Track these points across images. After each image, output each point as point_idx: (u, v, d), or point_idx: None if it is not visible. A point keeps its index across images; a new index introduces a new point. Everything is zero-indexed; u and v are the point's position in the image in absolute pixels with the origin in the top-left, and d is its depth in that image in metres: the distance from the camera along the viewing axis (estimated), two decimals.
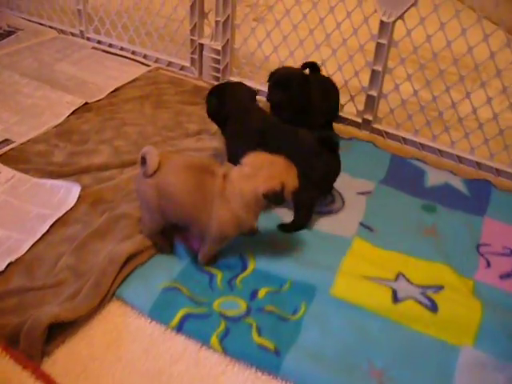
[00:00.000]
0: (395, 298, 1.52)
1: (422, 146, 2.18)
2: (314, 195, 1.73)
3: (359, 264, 1.64)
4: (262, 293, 1.53)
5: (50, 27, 2.96)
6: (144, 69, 2.66)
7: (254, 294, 1.53)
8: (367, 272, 1.61)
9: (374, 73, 2.14)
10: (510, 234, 1.80)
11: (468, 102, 2.01)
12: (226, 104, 1.81)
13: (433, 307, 1.51)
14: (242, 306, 1.49)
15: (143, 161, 1.53)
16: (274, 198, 1.45)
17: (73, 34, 2.91)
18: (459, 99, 2.04)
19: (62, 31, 2.94)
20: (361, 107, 2.24)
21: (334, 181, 1.78)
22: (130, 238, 1.62)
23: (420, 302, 1.52)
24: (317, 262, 1.62)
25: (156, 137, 2.16)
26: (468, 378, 1.34)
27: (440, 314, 1.49)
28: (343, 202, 1.91)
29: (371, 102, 2.20)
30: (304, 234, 1.73)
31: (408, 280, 1.60)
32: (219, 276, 1.57)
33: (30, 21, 3.01)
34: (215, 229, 1.50)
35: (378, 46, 2.07)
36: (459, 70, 1.99)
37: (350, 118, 2.28)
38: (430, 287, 1.58)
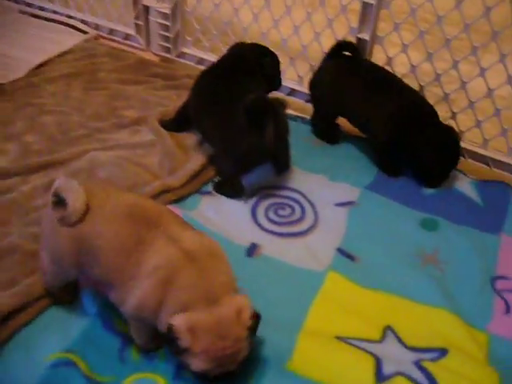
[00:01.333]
0: (379, 375, 1.10)
1: None
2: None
3: (332, 315, 1.25)
4: None
5: None
6: (80, 37, 2.18)
7: (180, 369, 1.10)
8: (343, 328, 1.21)
9: (359, 42, 1.78)
10: None
11: (482, 80, 1.64)
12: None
13: None
14: None
15: (57, 200, 1.05)
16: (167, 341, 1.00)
17: None
18: (472, 76, 1.66)
19: None
20: None
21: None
22: (15, 285, 1.21)
23: (413, 380, 1.08)
24: (271, 315, 1.18)
25: (80, 129, 1.73)
26: None
27: None
28: (316, 218, 1.46)
29: None
30: (256, 267, 1.29)
31: (399, 339, 1.20)
32: None
33: None
34: (131, 307, 1.04)
35: (365, 6, 1.71)
36: (471, 38, 1.61)
37: None
38: (429, 351, 1.18)
